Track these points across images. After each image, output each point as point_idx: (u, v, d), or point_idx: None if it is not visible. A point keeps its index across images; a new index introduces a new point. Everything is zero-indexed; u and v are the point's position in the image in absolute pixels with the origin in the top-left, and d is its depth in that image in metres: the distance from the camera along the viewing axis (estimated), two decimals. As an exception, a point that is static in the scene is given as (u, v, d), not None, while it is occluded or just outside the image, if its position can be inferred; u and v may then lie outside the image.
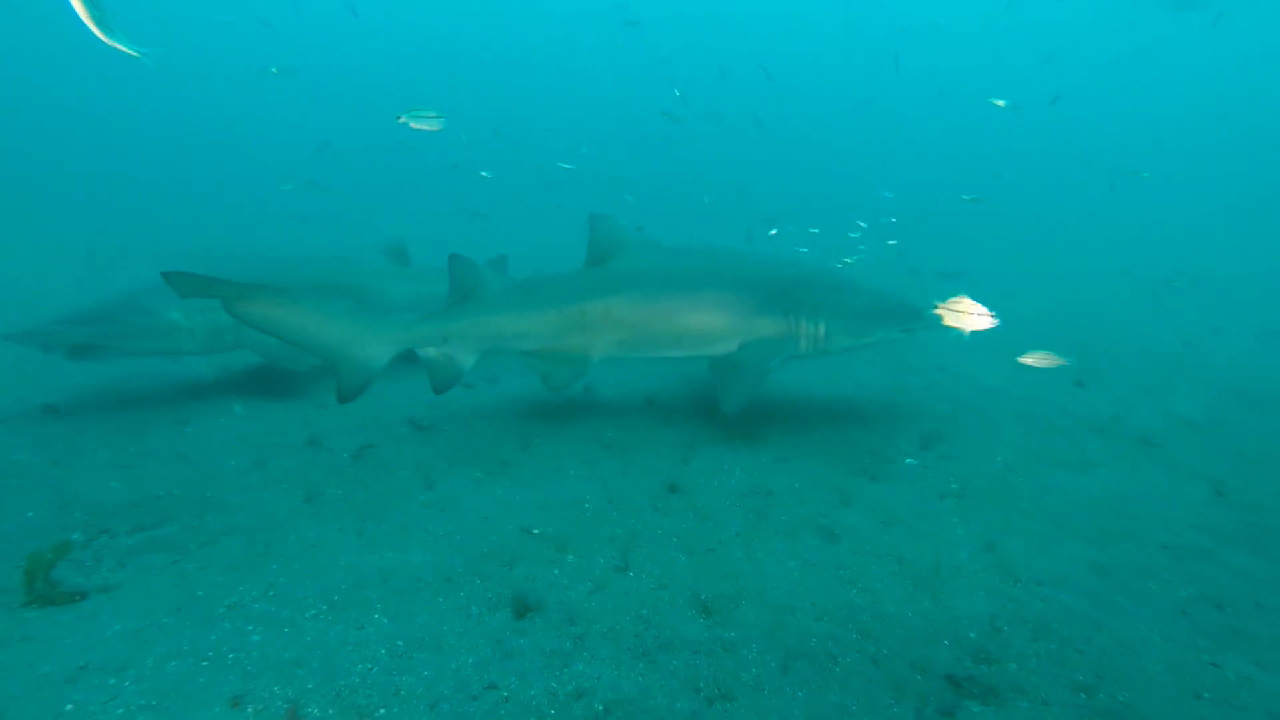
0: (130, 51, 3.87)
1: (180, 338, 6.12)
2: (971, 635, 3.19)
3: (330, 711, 2.59)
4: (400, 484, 4.65)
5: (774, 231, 14.31)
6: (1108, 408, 6.79)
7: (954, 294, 4.85)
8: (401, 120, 5.60)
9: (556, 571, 3.59)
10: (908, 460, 5.20)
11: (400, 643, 3.00)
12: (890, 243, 14.35)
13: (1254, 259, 17.03)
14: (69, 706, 2.53)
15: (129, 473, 4.68)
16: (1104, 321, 11.41)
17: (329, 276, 7.17)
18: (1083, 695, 2.82)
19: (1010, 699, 2.79)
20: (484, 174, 16.22)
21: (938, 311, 5.48)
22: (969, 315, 4.71)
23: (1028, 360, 5.25)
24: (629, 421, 5.85)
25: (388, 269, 7.83)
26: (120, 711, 2.51)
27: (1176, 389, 7.54)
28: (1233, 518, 4.52)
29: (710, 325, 5.47)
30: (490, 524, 4.08)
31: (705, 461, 5.05)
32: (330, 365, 5.06)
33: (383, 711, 2.60)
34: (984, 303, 4.64)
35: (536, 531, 3.98)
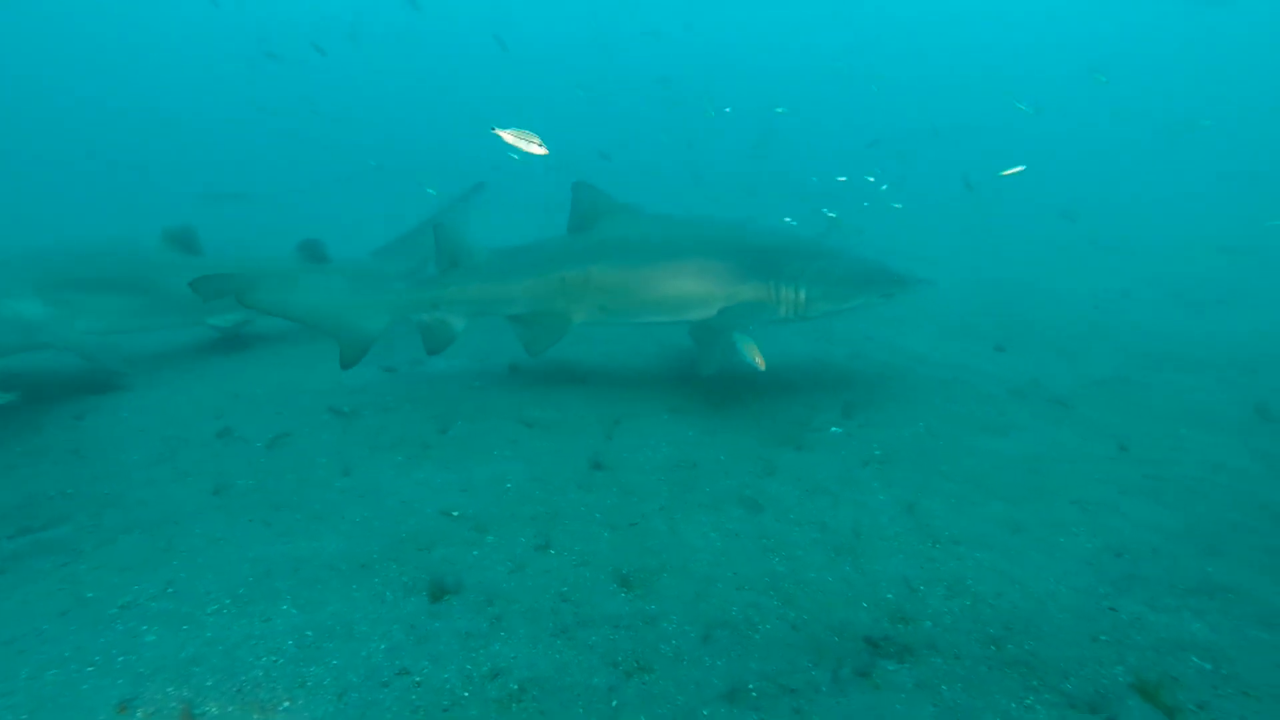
0: None
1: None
2: (889, 596, 3.25)
3: (230, 709, 2.46)
4: (317, 472, 4.47)
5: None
6: (1026, 371, 7.02)
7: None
8: (495, 132, 5.62)
9: (476, 553, 3.50)
10: (833, 429, 5.27)
11: (309, 633, 2.88)
12: (828, 213, 13.80)
13: (1166, 228, 17.83)
14: (-82, 734, 2.34)
15: (14, 473, 4.39)
16: (1028, 288, 11.80)
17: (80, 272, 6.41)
18: (993, 648, 2.90)
19: (924, 655, 2.85)
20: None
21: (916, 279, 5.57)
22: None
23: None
24: (555, 399, 5.76)
25: (167, 259, 6.80)
26: (-15, 727, 2.33)
27: (1089, 351, 7.86)
28: (1135, 471, 4.72)
29: (690, 291, 5.50)
30: (409, 508, 3.96)
31: (630, 437, 5.01)
32: (332, 336, 5.56)
33: (287, 704, 2.49)
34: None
35: (456, 514, 3.88)
